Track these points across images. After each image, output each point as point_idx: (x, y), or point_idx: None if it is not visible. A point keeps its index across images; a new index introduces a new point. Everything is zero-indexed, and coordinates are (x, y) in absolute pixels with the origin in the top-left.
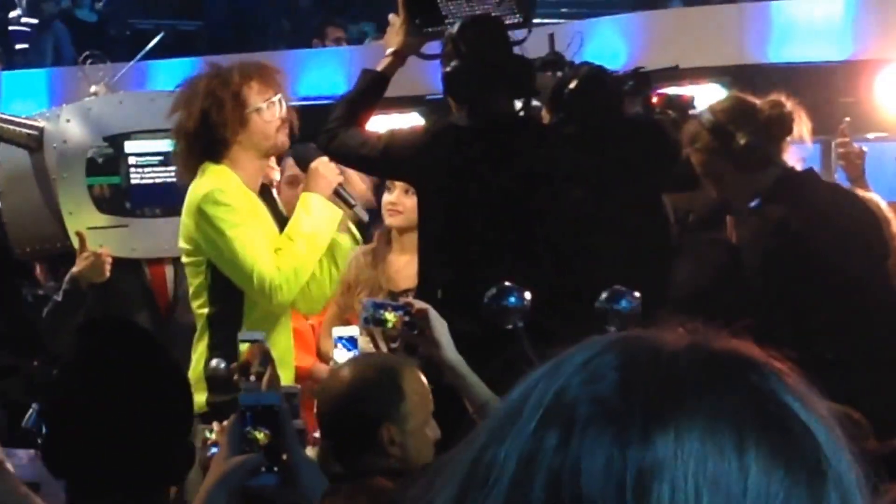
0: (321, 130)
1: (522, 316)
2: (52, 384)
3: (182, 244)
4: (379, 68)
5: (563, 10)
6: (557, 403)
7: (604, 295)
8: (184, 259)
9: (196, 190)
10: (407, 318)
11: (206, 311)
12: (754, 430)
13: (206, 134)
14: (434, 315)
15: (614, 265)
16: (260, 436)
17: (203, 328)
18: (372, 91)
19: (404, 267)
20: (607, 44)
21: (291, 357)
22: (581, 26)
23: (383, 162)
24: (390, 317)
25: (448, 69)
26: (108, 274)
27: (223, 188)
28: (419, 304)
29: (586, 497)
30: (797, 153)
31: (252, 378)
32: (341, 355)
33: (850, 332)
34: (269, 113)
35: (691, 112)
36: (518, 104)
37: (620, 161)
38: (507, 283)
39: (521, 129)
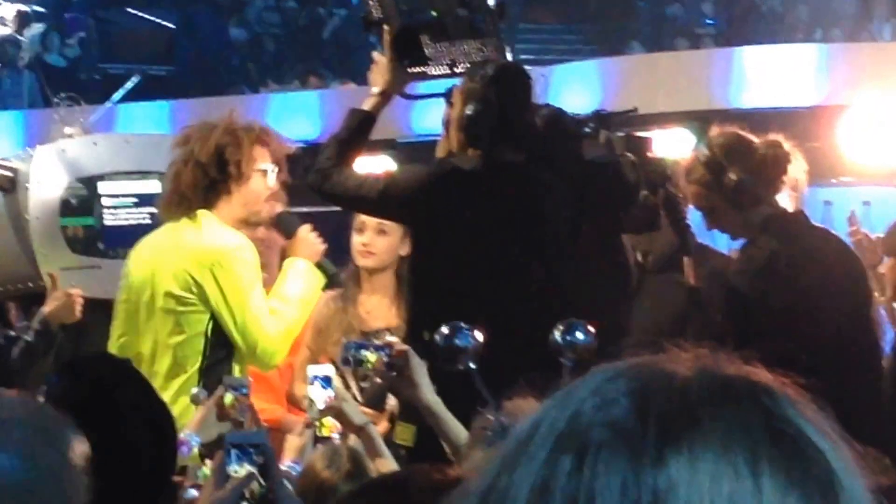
0: (311, 170)
1: (474, 356)
2: None
3: (174, 290)
4: (365, 108)
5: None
6: (570, 429)
7: (559, 327)
8: (170, 306)
9: (211, 240)
10: (387, 359)
11: (197, 363)
12: (768, 452)
13: (215, 170)
14: (413, 356)
15: (574, 305)
16: (243, 472)
17: (191, 378)
18: (361, 130)
19: (375, 307)
20: (571, 89)
21: None
22: (545, 71)
23: (382, 202)
24: (370, 357)
25: (471, 112)
26: (78, 315)
27: (242, 243)
28: (399, 346)
29: None
30: (793, 196)
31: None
32: (316, 392)
33: (830, 376)
34: (270, 179)
35: (650, 154)
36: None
37: (580, 201)
38: (457, 323)
39: (524, 179)
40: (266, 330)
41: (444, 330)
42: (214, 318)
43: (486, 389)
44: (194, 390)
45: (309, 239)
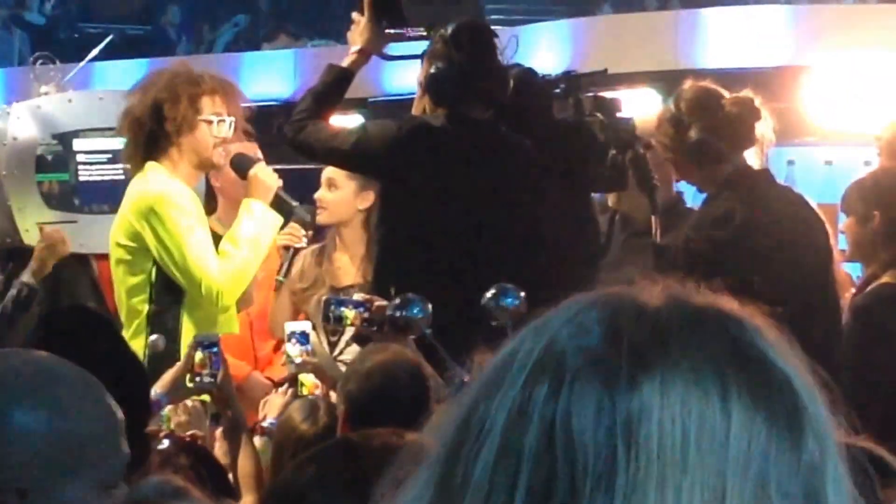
0: (286, 122)
1: (426, 324)
2: None
3: (121, 240)
4: (344, 65)
5: (497, 17)
6: (546, 356)
7: (490, 292)
8: (120, 255)
9: (147, 188)
10: (367, 315)
11: (144, 308)
12: (736, 376)
13: (152, 126)
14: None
15: (541, 263)
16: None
17: (139, 325)
18: (337, 86)
19: (346, 264)
20: (541, 49)
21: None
22: (515, 32)
23: (353, 155)
24: (349, 314)
25: (434, 70)
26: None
27: (177, 190)
28: (379, 302)
29: (578, 442)
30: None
31: (205, 380)
32: (293, 349)
33: (789, 333)
34: (218, 129)
35: (618, 115)
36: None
37: (550, 161)
38: (408, 295)
39: (492, 136)
40: (209, 269)
41: (396, 301)
42: (157, 265)
43: (445, 349)
44: (152, 337)
45: (262, 178)
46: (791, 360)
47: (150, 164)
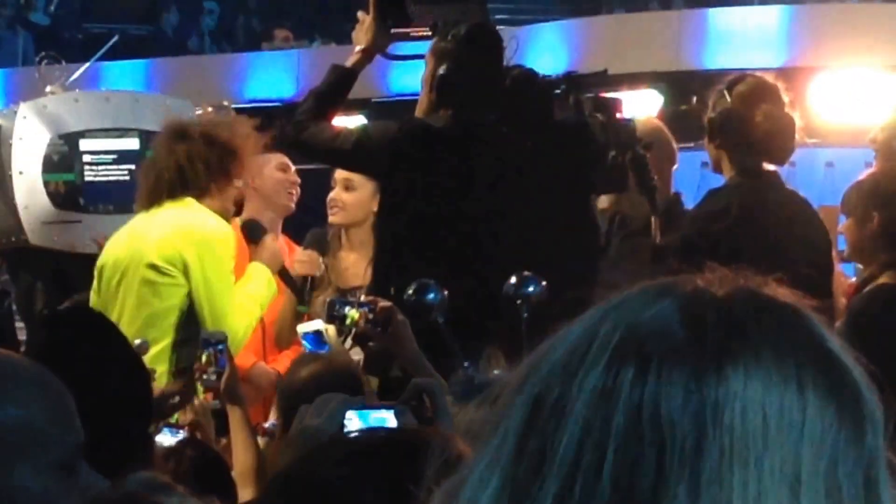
0: (289, 122)
1: (442, 311)
2: None
3: (158, 263)
4: (347, 65)
5: (501, 16)
6: (628, 341)
7: (512, 280)
8: (150, 276)
9: (208, 225)
10: (371, 316)
11: (170, 334)
12: (812, 368)
13: (218, 173)
14: (397, 312)
15: (542, 264)
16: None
17: (163, 350)
18: (341, 86)
19: (353, 264)
20: (545, 50)
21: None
22: (517, 33)
23: (354, 155)
24: (353, 314)
25: (444, 72)
26: None
27: (232, 237)
28: (383, 303)
29: (666, 424)
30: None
31: (211, 378)
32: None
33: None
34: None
35: (618, 116)
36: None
37: (550, 163)
38: (425, 280)
39: (493, 138)
40: (239, 325)
41: (414, 286)
42: (190, 297)
43: (455, 343)
44: (137, 341)
45: (274, 248)
46: (849, 353)
47: (189, 199)
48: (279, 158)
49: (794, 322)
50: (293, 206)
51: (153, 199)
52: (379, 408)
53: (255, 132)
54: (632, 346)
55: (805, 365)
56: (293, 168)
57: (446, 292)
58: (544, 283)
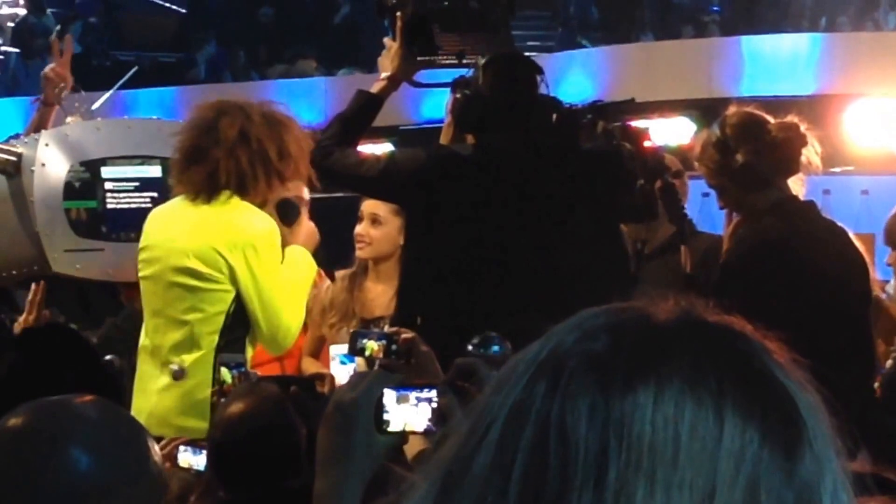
0: (313, 147)
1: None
2: None
3: (199, 267)
4: (373, 91)
5: (532, 43)
6: (549, 357)
7: (475, 340)
8: (188, 281)
9: (247, 223)
10: (394, 347)
11: (214, 339)
12: (733, 384)
13: (273, 164)
14: (420, 343)
15: (571, 293)
16: None
17: (205, 356)
18: (366, 112)
19: (379, 295)
20: (575, 76)
21: None
22: (546, 59)
23: (381, 182)
24: (371, 346)
25: (460, 97)
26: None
27: (276, 230)
28: (406, 334)
29: (571, 437)
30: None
31: None
32: (338, 369)
33: (817, 365)
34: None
35: (647, 144)
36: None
37: (577, 189)
38: (490, 334)
39: (519, 166)
40: (287, 316)
41: (477, 338)
42: (238, 299)
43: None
44: (174, 366)
45: (310, 228)
46: (796, 378)
47: (232, 195)
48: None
49: (723, 344)
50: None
51: (199, 191)
52: (421, 387)
53: (309, 136)
54: (551, 363)
55: (726, 383)
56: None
57: (509, 345)
58: (509, 345)
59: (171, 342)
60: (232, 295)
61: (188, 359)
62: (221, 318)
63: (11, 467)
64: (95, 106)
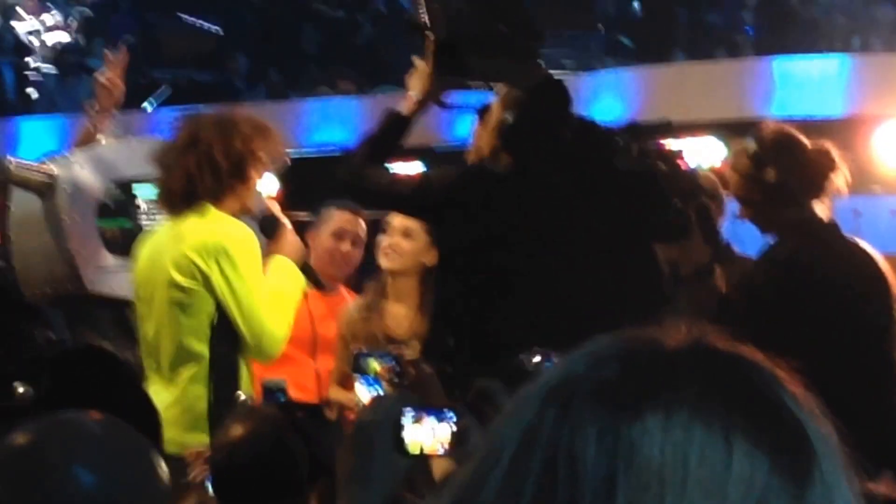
0: (343, 166)
1: None
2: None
3: (179, 279)
4: (402, 111)
5: (567, 61)
6: (561, 384)
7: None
8: (176, 296)
9: (219, 230)
10: (398, 369)
11: (205, 352)
12: (743, 414)
13: (230, 174)
14: (423, 365)
15: (606, 315)
16: None
17: (200, 371)
18: (396, 132)
19: (401, 318)
20: (607, 97)
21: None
22: (583, 80)
23: (415, 200)
24: (374, 366)
25: (511, 120)
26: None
27: (252, 237)
28: (410, 355)
29: (580, 462)
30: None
31: None
32: (362, 391)
33: (839, 387)
34: (265, 178)
35: (681, 165)
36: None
37: (611, 209)
38: (545, 349)
39: (555, 188)
40: (269, 322)
41: (536, 358)
42: (220, 309)
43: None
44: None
45: (294, 240)
46: (808, 407)
47: (207, 205)
48: (339, 223)
49: (733, 371)
50: (340, 277)
51: (171, 209)
52: (440, 410)
53: (263, 123)
54: (563, 389)
55: (735, 410)
56: (357, 229)
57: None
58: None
59: (168, 359)
60: (212, 303)
61: (185, 372)
62: (207, 330)
63: (16, 486)
64: (125, 124)
